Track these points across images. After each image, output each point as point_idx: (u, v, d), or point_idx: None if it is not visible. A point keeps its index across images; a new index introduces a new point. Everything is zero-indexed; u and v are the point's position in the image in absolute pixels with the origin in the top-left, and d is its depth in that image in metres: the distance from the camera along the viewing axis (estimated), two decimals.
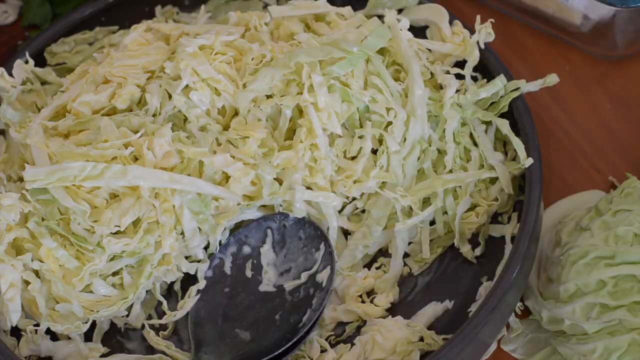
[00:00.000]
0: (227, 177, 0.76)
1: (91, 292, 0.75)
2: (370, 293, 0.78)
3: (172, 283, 0.78)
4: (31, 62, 0.85)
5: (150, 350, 0.76)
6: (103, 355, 0.76)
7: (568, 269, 0.72)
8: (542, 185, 0.75)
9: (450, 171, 0.78)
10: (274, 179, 0.76)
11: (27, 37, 0.95)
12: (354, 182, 0.77)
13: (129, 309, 0.76)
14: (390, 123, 0.78)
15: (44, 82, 0.86)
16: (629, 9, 0.83)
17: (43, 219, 0.74)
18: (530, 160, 0.76)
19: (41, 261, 0.74)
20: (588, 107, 0.88)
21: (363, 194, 0.78)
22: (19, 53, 0.86)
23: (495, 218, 0.79)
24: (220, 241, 0.77)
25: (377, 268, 0.79)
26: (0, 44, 0.96)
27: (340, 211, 0.79)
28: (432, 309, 0.76)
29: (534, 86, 0.80)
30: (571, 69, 0.90)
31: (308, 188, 0.77)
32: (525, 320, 0.77)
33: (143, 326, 0.77)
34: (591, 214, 0.74)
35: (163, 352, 0.76)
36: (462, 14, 0.87)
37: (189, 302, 0.77)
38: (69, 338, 0.76)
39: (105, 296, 0.75)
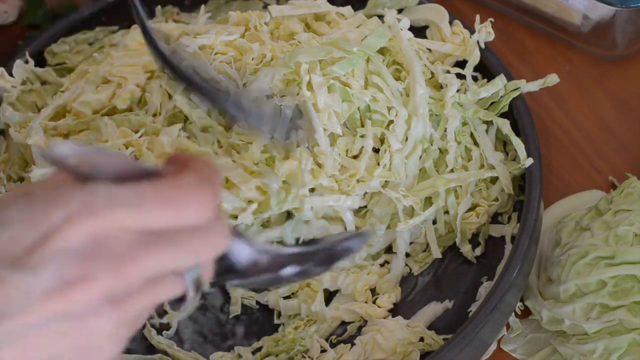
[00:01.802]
0: (226, 181, 0.76)
1: None
2: (373, 294, 0.78)
3: None
4: (31, 62, 0.85)
5: (151, 350, 0.76)
6: None
7: (568, 269, 0.72)
8: (542, 185, 0.75)
9: (452, 171, 0.78)
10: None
11: (27, 37, 0.95)
12: (358, 181, 0.76)
13: None
14: (391, 122, 0.78)
15: (44, 82, 0.86)
16: (629, 9, 0.83)
17: None
18: (530, 160, 0.76)
19: None
20: (588, 107, 0.88)
21: (366, 193, 0.78)
22: (19, 53, 0.85)
23: (495, 218, 0.79)
24: None
25: (380, 265, 0.79)
26: (0, 44, 0.96)
27: None
28: (432, 309, 0.76)
29: (534, 86, 0.80)
30: (571, 69, 0.90)
31: (312, 190, 0.76)
32: (525, 320, 0.77)
33: (143, 326, 0.77)
34: (591, 214, 0.74)
35: (164, 352, 0.76)
36: (462, 14, 0.87)
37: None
38: None
39: None
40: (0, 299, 0.46)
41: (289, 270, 0.59)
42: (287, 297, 0.78)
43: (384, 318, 0.76)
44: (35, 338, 0.47)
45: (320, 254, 0.61)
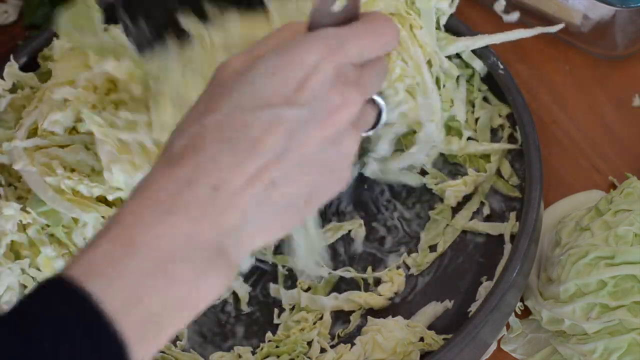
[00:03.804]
0: None
1: None
2: (377, 283, 0.78)
3: None
4: (15, 65, 0.83)
5: None
6: None
7: (568, 269, 0.72)
8: (542, 185, 0.75)
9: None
10: None
11: (27, 37, 0.95)
12: None
13: None
14: None
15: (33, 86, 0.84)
16: (629, 9, 0.83)
17: (43, 228, 0.74)
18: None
19: (38, 269, 0.73)
20: (588, 107, 0.88)
21: None
22: (19, 53, 0.85)
23: (493, 217, 0.79)
24: None
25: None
26: (0, 44, 0.96)
27: None
28: (432, 309, 0.76)
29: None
30: (571, 69, 0.90)
31: None
32: (525, 320, 0.77)
33: None
34: (591, 214, 0.74)
35: (163, 352, 0.76)
36: (462, 15, 0.86)
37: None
38: None
39: None
40: (282, 133, 0.53)
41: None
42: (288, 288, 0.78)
43: (384, 309, 0.76)
44: (310, 168, 0.54)
45: None
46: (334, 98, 0.54)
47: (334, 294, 0.77)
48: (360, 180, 0.81)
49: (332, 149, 0.54)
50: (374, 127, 0.61)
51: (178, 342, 0.76)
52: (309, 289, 0.78)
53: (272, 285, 0.78)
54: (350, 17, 0.58)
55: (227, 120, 0.53)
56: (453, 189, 0.79)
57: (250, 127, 0.52)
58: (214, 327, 0.78)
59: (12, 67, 0.82)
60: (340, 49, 0.55)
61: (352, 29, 0.57)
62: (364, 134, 0.60)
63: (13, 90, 0.82)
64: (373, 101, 0.60)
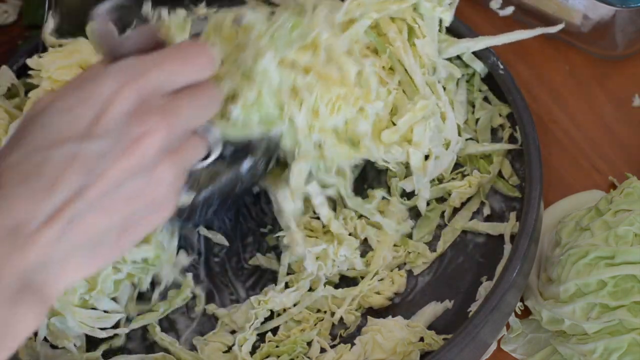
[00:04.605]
0: None
1: (94, 308, 0.75)
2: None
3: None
4: (7, 70, 0.83)
5: (151, 349, 0.76)
6: (104, 357, 0.76)
7: (568, 269, 0.72)
8: (542, 185, 0.75)
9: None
10: None
11: (27, 37, 0.95)
12: None
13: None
14: None
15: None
16: (629, 9, 0.83)
17: None
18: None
19: None
20: (588, 107, 0.88)
21: None
22: (19, 53, 0.85)
23: (493, 217, 0.80)
24: None
25: None
26: (0, 44, 0.96)
27: None
28: (432, 309, 0.76)
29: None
30: (571, 69, 0.90)
31: None
32: (525, 320, 0.77)
33: (146, 327, 0.77)
34: (591, 214, 0.74)
35: (166, 350, 0.76)
36: (462, 15, 0.87)
37: None
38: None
39: (106, 312, 0.75)
40: (80, 169, 0.52)
41: (245, 165, 0.69)
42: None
43: (384, 308, 0.76)
44: (116, 200, 0.53)
45: (263, 143, 0.70)
46: (134, 127, 0.53)
47: (330, 287, 0.77)
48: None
49: (142, 179, 0.54)
50: (206, 158, 0.60)
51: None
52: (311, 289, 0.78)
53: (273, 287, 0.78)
54: (156, 44, 0.57)
55: (24, 160, 0.53)
56: (459, 191, 0.79)
57: (45, 166, 0.52)
58: (214, 327, 0.78)
59: (7, 72, 0.82)
60: (140, 77, 0.54)
61: (155, 55, 0.56)
62: (197, 167, 0.60)
63: (11, 95, 0.82)
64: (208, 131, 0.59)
